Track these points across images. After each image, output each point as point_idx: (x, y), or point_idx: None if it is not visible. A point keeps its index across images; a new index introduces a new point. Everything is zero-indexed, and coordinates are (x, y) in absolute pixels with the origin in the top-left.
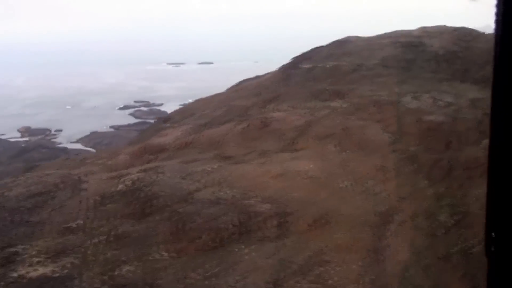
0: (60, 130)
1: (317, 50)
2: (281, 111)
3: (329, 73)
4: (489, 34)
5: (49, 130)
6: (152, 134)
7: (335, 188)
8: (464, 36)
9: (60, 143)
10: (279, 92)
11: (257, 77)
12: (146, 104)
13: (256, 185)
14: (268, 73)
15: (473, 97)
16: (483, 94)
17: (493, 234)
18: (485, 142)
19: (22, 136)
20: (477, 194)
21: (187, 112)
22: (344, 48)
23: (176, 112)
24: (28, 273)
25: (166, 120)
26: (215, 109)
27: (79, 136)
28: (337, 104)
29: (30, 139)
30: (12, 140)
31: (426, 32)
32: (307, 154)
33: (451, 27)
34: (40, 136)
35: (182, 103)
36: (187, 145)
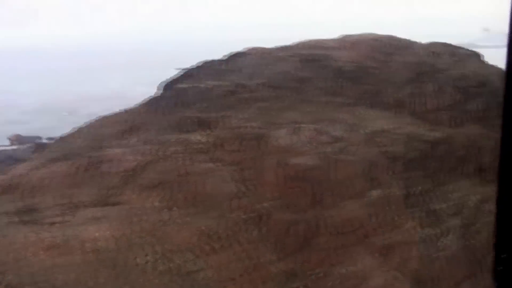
0: (52, 138)
1: (204, 65)
2: (126, 146)
3: (202, 96)
4: (420, 44)
5: (40, 138)
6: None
7: (128, 265)
8: (384, 47)
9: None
10: (142, 120)
11: None
12: None
13: (15, 261)
14: None
15: (375, 129)
16: (392, 124)
17: (503, 255)
18: (375, 193)
19: (12, 144)
20: (344, 273)
21: (68, 139)
22: (233, 63)
23: (61, 137)
24: None
25: (38, 148)
26: (82, 137)
27: None
28: (197, 137)
29: (19, 147)
30: (0, 149)
31: (342, 42)
32: (115, 212)
33: (374, 35)
34: (29, 145)
35: None
36: (11, 188)
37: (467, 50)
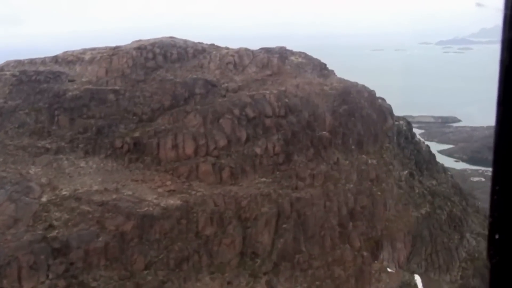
0: None
1: None
2: None
3: None
4: (224, 52)
5: None
6: None
7: None
8: (151, 60)
9: None
10: None
11: None
12: None
13: None
14: None
15: (67, 194)
16: (108, 182)
17: (496, 236)
18: None
19: None
20: None
21: None
22: None
23: None
24: None
25: None
26: None
27: None
28: None
29: None
30: None
31: (97, 53)
32: None
33: (147, 42)
34: None
35: None
36: None
37: (311, 59)
